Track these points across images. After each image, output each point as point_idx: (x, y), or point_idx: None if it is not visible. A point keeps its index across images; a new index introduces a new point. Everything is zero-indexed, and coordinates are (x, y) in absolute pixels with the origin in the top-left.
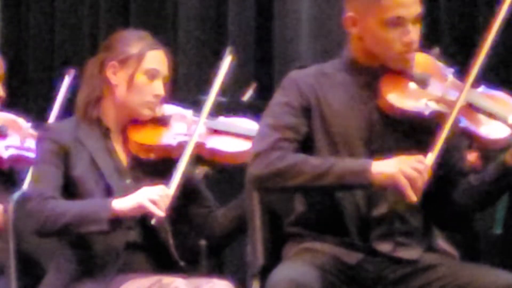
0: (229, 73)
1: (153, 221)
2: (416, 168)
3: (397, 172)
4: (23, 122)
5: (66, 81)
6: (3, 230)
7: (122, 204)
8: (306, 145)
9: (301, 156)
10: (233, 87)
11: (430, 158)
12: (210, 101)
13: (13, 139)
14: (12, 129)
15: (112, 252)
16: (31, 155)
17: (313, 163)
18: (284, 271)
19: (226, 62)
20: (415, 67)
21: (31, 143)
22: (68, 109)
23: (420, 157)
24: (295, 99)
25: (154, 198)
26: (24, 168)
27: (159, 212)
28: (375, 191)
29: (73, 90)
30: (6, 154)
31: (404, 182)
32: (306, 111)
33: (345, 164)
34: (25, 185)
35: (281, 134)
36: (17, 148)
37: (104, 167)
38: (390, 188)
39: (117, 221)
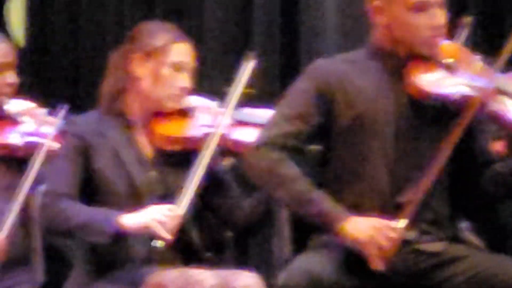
0: (251, 78)
1: (158, 244)
2: (388, 237)
3: (367, 240)
4: (38, 109)
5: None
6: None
7: (130, 221)
8: (328, 134)
9: (293, 173)
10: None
11: (401, 225)
12: (236, 93)
13: (28, 126)
14: (27, 116)
15: (137, 244)
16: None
17: (297, 187)
18: (301, 263)
19: (249, 67)
20: (443, 53)
21: (47, 130)
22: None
23: (393, 223)
24: (315, 87)
25: (162, 219)
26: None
27: (166, 235)
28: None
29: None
30: (21, 142)
31: (373, 252)
32: (325, 100)
33: (324, 206)
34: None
35: (291, 126)
36: (32, 135)
37: (127, 160)
38: None
39: (120, 236)
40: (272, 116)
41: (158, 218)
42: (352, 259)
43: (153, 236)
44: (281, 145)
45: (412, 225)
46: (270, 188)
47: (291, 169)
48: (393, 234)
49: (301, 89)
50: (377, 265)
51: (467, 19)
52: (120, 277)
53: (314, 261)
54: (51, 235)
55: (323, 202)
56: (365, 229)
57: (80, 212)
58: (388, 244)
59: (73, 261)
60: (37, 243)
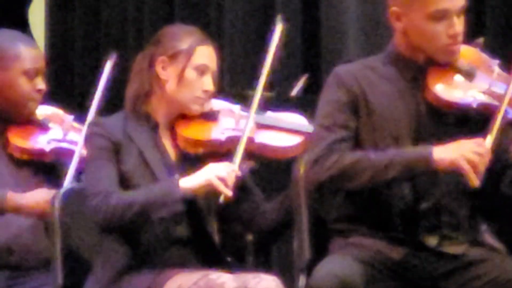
0: (279, 46)
1: (221, 199)
2: (477, 152)
3: (459, 156)
4: (65, 115)
5: (108, 67)
6: (45, 216)
7: (189, 182)
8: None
9: (359, 154)
10: (281, 81)
11: (489, 140)
12: (259, 94)
13: (55, 132)
14: (54, 122)
15: (159, 246)
16: (74, 148)
17: (373, 158)
18: (328, 266)
19: (277, 32)
20: (461, 59)
21: (73, 136)
22: (109, 98)
23: (479, 140)
24: (343, 95)
25: (223, 175)
26: (67, 162)
27: (228, 190)
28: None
29: (115, 77)
30: (48, 148)
31: (466, 167)
32: (354, 106)
33: (406, 154)
34: (68, 180)
35: (336, 134)
36: (59, 141)
37: (152, 162)
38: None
39: (187, 200)
40: (314, 132)
41: (219, 174)
42: (377, 262)
43: (214, 194)
44: (334, 149)
45: (432, 229)
46: (351, 182)
47: (354, 154)
48: (481, 149)
49: (332, 99)
50: (474, 180)
51: (480, 40)
52: (140, 280)
53: (342, 264)
54: (114, 231)
55: (401, 152)
56: (454, 149)
57: (136, 196)
58: (478, 158)
59: (91, 264)
60: (57, 246)
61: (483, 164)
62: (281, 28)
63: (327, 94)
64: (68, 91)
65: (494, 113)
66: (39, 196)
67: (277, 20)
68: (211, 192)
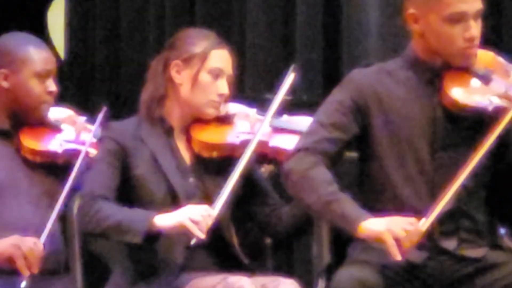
0: (291, 90)
1: (192, 242)
2: (405, 229)
3: (385, 230)
4: (78, 117)
5: (99, 118)
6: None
7: (163, 220)
8: (366, 144)
9: (323, 177)
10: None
11: (424, 223)
12: (276, 102)
13: (68, 134)
14: (67, 124)
15: (177, 251)
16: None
17: (324, 191)
18: (349, 270)
19: (289, 80)
20: (478, 63)
21: (86, 137)
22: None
23: (412, 219)
24: (350, 98)
25: (196, 218)
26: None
27: (199, 233)
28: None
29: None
30: (61, 149)
31: (389, 241)
32: (361, 111)
33: (345, 207)
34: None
35: (327, 133)
36: (72, 142)
37: (166, 166)
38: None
39: (154, 236)
40: (310, 124)
41: (192, 217)
42: (397, 266)
43: (187, 236)
44: (318, 150)
45: (451, 233)
46: (301, 193)
47: (322, 173)
48: (410, 227)
49: (337, 99)
50: (395, 255)
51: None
52: (159, 284)
53: (362, 268)
54: (90, 237)
55: (345, 204)
56: (383, 222)
57: (115, 212)
58: (404, 235)
59: (111, 267)
60: (76, 250)
61: (409, 242)
62: (293, 77)
63: (334, 93)
64: (88, 95)
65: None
66: (6, 242)
67: (291, 70)
68: (184, 233)
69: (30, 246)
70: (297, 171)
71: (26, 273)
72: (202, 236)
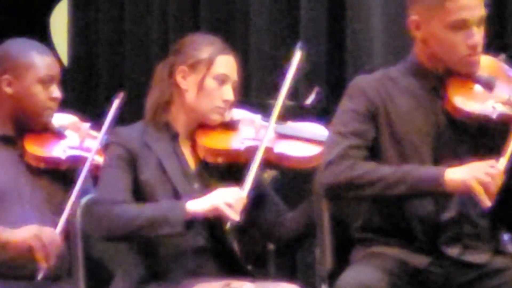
0: (299, 70)
1: (228, 225)
2: (489, 173)
3: (470, 178)
4: (82, 123)
5: (116, 104)
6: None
7: (196, 206)
8: (373, 150)
9: (372, 165)
10: (305, 91)
11: (502, 162)
12: (279, 105)
13: (71, 140)
14: (71, 130)
15: (180, 256)
16: (89, 154)
17: (385, 172)
18: (353, 275)
19: (296, 58)
20: (481, 70)
21: (90, 144)
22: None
23: (492, 162)
24: (362, 105)
25: (230, 201)
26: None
27: (235, 216)
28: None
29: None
30: (64, 155)
31: (478, 188)
32: (373, 117)
33: (418, 172)
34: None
35: (351, 141)
36: (75, 148)
37: (171, 171)
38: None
39: (191, 223)
40: (328, 138)
41: (226, 200)
42: (400, 271)
43: (221, 219)
44: (347, 156)
45: (455, 240)
46: (359, 192)
47: (367, 164)
48: (493, 171)
49: (350, 108)
50: (486, 202)
51: (502, 57)
52: None
53: (366, 273)
54: (115, 241)
55: (413, 169)
56: (466, 170)
57: (141, 210)
58: (490, 180)
59: (114, 272)
60: (79, 254)
61: (495, 185)
62: (300, 55)
63: (345, 102)
64: (91, 99)
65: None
66: (27, 232)
67: (297, 48)
68: (218, 217)
69: (50, 236)
70: (341, 177)
71: (44, 264)
72: (238, 218)
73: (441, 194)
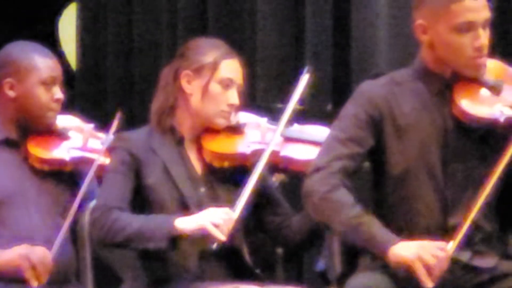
0: (305, 91)
1: (214, 245)
2: (436, 256)
3: (414, 258)
4: (85, 124)
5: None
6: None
7: (184, 224)
8: (378, 156)
9: (346, 198)
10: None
11: (452, 246)
12: (288, 111)
13: (75, 141)
14: (74, 131)
15: (188, 260)
16: (94, 156)
17: (349, 214)
18: (360, 280)
19: (304, 81)
20: (488, 73)
21: (94, 144)
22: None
23: (442, 244)
24: (364, 111)
25: (217, 221)
26: (88, 171)
27: (221, 236)
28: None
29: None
30: (68, 157)
31: (419, 269)
32: (375, 123)
33: (373, 230)
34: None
35: (346, 148)
36: (79, 149)
37: (177, 176)
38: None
39: (176, 241)
40: (326, 140)
41: (214, 220)
42: (408, 275)
43: (207, 239)
44: (337, 168)
45: (465, 245)
46: (324, 216)
47: (344, 195)
48: (440, 253)
49: (352, 113)
50: (426, 283)
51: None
52: None
53: (374, 278)
54: (106, 248)
55: (373, 227)
56: (413, 248)
57: (133, 221)
58: (435, 262)
59: (122, 276)
60: (87, 259)
61: (439, 268)
62: (307, 78)
63: (349, 107)
64: (99, 104)
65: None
66: (15, 252)
67: (305, 71)
68: (205, 237)
69: (39, 256)
70: (318, 192)
71: (34, 284)
72: (224, 239)
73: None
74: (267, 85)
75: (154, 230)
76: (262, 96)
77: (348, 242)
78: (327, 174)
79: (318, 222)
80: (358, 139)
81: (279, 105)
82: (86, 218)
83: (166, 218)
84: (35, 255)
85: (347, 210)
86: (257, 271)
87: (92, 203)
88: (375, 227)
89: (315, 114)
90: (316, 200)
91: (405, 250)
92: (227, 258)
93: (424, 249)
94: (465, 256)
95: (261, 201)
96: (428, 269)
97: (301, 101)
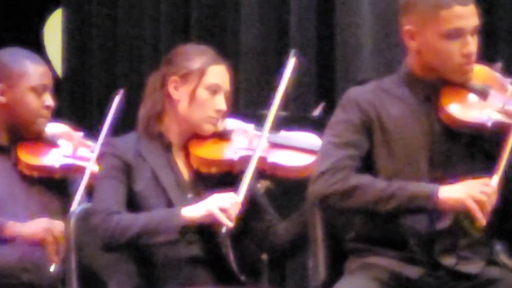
0: (292, 78)
1: (223, 230)
2: (484, 192)
3: (466, 197)
4: (75, 132)
5: (116, 101)
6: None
7: (191, 212)
8: (367, 161)
9: (365, 178)
10: (295, 101)
11: (496, 179)
12: (272, 114)
13: (65, 149)
14: (64, 139)
15: (174, 266)
16: (84, 164)
17: (377, 186)
18: (346, 286)
19: (290, 65)
20: (475, 78)
21: (83, 152)
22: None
23: (486, 180)
24: (356, 116)
25: (225, 206)
26: (77, 178)
27: (229, 222)
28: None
29: (123, 110)
30: (58, 164)
31: (473, 207)
32: (367, 128)
33: (411, 188)
34: (78, 198)
35: (345, 151)
36: (69, 157)
37: (166, 182)
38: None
39: (186, 230)
40: (322, 148)
41: (221, 205)
42: (394, 281)
43: (215, 225)
44: (341, 167)
45: (450, 251)
46: (350, 204)
47: (360, 177)
48: (488, 189)
49: (343, 119)
50: (481, 220)
51: (498, 66)
52: None
53: (359, 284)
54: (114, 251)
55: (408, 185)
56: (461, 188)
57: (137, 218)
58: (485, 198)
59: (107, 282)
60: (72, 265)
61: (490, 203)
62: (294, 62)
63: (339, 114)
64: (85, 110)
65: (505, 138)
66: (38, 225)
67: (291, 55)
68: (213, 223)
69: (60, 231)
70: (333, 188)
71: (55, 259)
72: (231, 224)
73: (433, 211)
74: (251, 93)
75: (162, 223)
76: (246, 104)
77: (382, 213)
78: (333, 172)
79: (357, 213)
80: (354, 142)
81: (265, 112)
82: (71, 224)
83: (170, 210)
84: (57, 229)
85: (372, 187)
86: (242, 277)
87: (78, 210)
88: (409, 185)
89: (299, 120)
90: (338, 199)
91: (454, 192)
92: (213, 264)
93: (472, 187)
94: (451, 262)
95: (247, 207)
96: (481, 206)
97: (287, 97)
